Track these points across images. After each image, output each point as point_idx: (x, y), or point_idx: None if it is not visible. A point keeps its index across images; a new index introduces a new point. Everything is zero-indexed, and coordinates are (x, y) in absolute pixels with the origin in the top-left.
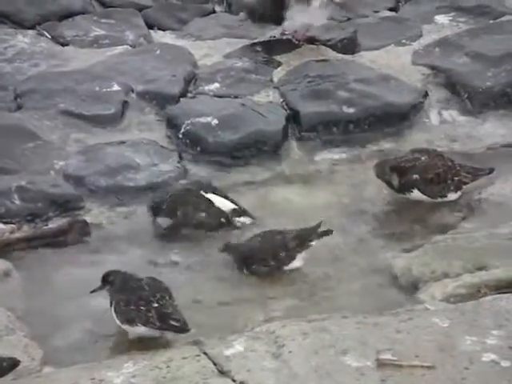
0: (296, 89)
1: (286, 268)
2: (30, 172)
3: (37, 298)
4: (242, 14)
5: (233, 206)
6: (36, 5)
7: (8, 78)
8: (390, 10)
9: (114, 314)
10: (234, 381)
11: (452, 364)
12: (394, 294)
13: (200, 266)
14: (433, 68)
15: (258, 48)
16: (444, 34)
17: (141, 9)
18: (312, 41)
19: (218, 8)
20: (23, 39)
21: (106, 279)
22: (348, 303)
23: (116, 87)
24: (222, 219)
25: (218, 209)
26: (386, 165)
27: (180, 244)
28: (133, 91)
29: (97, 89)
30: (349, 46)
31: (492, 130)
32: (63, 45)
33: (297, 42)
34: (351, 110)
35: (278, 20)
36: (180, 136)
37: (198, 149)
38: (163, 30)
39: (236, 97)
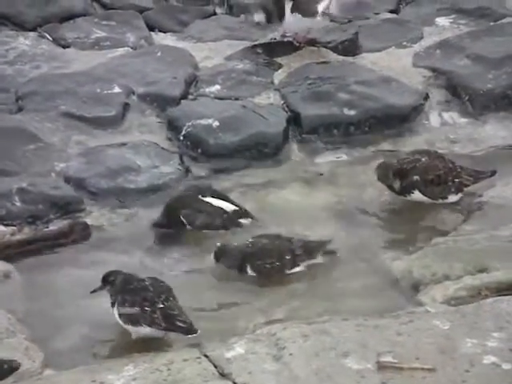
0: (297, 91)
1: (288, 272)
2: (30, 174)
3: (37, 300)
4: (242, 16)
5: (233, 208)
6: (37, 7)
7: (9, 80)
8: (391, 12)
9: (116, 315)
10: (234, 383)
11: (453, 366)
12: (395, 296)
13: (201, 268)
14: (434, 70)
15: (259, 50)
16: (445, 36)
17: (142, 11)
18: (313, 43)
19: (218, 10)
20: (24, 41)
21: (107, 279)
22: (348, 305)
23: (117, 89)
24: (223, 220)
25: (218, 210)
26: (388, 168)
27: (181, 246)
28: (134, 93)
29: (98, 91)
30: (350, 48)
31: (493, 132)
32: (64, 47)
33: (298, 44)
34: (352, 112)
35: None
36: (181, 138)
37: (199, 151)
38: (164, 32)
39: (237, 99)
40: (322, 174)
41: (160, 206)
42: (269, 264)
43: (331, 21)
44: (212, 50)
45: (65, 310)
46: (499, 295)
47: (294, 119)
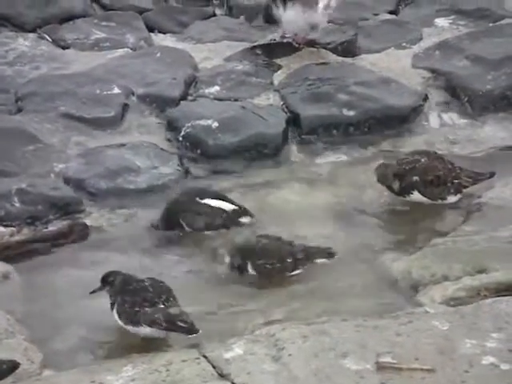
0: (296, 92)
1: (287, 275)
2: (30, 175)
3: (36, 300)
4: (242, 18)
5: (232, 207)
6: (37, 8)
7: (9, 81)
8: (390, 13)
9: (116, 316)
10: None
11: (452, 367)
12: (394, 296)
13: (200, 269)
14: (433, 71)
15: (259, 51)
16: (444, 37)
17: (141, 12)
18: (312, 44)
19: (218, 11)
20: (24, 42)
21: (106, 280)
22: (348, 306)
23: (116, 90)
24: (223, 220)
25: (217, 210)
26: (387, 169)
27: (180, 247)
28: (133, 94)
29: (97, 92)
30: (349, 49)
31: (492, 133)
32: (64, 48)
33: (297, 45)
34: (351, 113)
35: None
36: (180, 139)
37: (198, 151)
38: (164, 33)
39: (236, 100)
40: (321, 175)
41: (159, 206)
42: (270, 264)
43: (329, 22)
44: (211, 50)
45: (64, 310)
46: (498, 296)
47: (294, 120)
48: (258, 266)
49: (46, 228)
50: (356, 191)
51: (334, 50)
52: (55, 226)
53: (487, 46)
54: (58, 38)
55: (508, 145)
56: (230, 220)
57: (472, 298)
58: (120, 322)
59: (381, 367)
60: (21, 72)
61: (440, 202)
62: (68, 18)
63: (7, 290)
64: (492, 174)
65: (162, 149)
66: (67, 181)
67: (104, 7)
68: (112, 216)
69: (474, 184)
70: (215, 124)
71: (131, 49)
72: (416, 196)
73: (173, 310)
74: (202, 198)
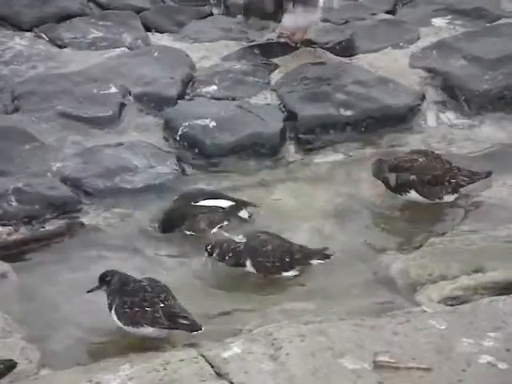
0: (294, 91)
1: (284, 274)
2: (27, 174)
3: (34, 299)
4: (239, 17)
5: (230, 203)
6: (34, 7)
7: (5, 80)
8: (388, 12)
9: (115, 317)
10: (231, 383)
11: (449, 366)
12: (392, 296)
13: (198, 268)
14: (430, 71)
15: (256, 50)
16: (441, 37)
17: (138, 11)
18: (309, 43)
19: (215, 10)
20: (21, 41)
21: (103, 279)
22: (345, 305)
23: (114, 89)
24: (223, 217)
25: (215, 209)
26: (384, 164)
27: (178, 246)
28: (130, 93)
29: (94, 91)
30: (346, 49)
31: (489, 132)
32: (61, 47)
33: (294, 45)
34: (349, 113)
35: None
36: (177, 138)
37: (196, 151)
38: (161, 33)
39: (234, 99)
40: (318, 174)
41: (157, 206)
42: (269, 262)
43: (325, 21)
44: (209, 50)
45: (61, 309)
46: (495, 295)
47: (291, 119)
48: (256, 263)
49: (43, 227)
50: (353, 191)
51: (332, 50)
52: (52, 225)
53: (484, 45)
54: (55, 37)
55: (505, 144)
56: (229, 215)
57: (469, 298)
58: (120, 324)
59: (378, 366)
60: (17, 71)
61: (437, 201)
62: (65, 17)
63: (4, 289)
64: (489, 174)
65: (159, 148)
66: (64, 180)
67: (101, 6)
68: (109, 215)
69: (471, 183)
70: (212, 123)
71: (128, 48)
72: (413, 195)
73: (173, 308)
74: (198, 201)
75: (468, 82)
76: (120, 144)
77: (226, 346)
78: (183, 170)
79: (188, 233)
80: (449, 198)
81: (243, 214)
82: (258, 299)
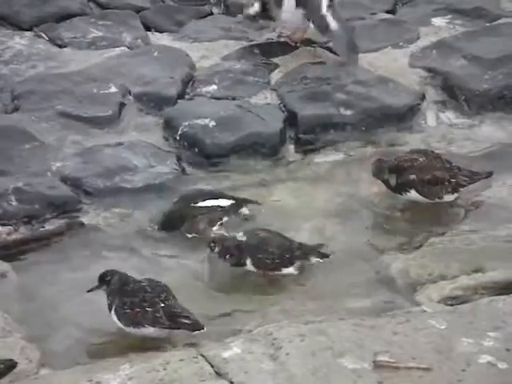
0: (293, 91)
1: (284, 271)
2: (27, 174)
3: (33, 299)
4: (239, 16)
5: (230, 202)
6: (33, 6)
7: (5, 79)
8: (388, 12)
9: (115, 318)
10: (231, 383)
11: (449, 366)
12: (392, 295)
13: (198, 268)
14: (430, 70)
15: (256, 50)
16: (441, 37)
17: (138, 11)
18: (309, 43)
19: (215, 10)
20: (20, 41)
21: (103, 278)
22: (345, 305)
23: (113, 89)
24: (224, 215)
25: (215, 209)
26: (384, 164)
27: (178, 245)
28: (130, 93)
29: (94, 90)
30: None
31: (489, 132)
32: (61, 46)
33: (294, 44)
34: (349, 112)
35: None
36: (177, 138)
37: (196, 150)
38: (161, 32)
39: (233, 99)
40: (318, 174)
41: (156, 206)
42: (269, 259)
43: None
44: (209, 49)
45: (61, 309)
46: (495, 295)
47: (291, 119)
48: (256, 260)
49: (43, 227)
50: (353, 190)
51: (332, 49)
52: (52, 225)
53: (484, 45)
54: (55, 36)
55: (505, 144)
56: (230, 214)
57: (469, 297)
58: (120, 325)
59: (378, 366)
60: (17, 71)
61: (437, 200)
62: (65, 16)
63: (4, 289)
64: (490, 174)
65: (159, 148)
66: (64, 180)
67: (101, 6)
68: (109, 215)
69: (472, 183)
70: (212, 123)
71: (128, 48)
72: (413, 195)
73: (174, 308)
74: (197, 202)
75: (468, 81)
76: (120, 144)
77: (225, 346)
78: (183, 170)
79: (189, 235)
80: (449, 198)
81: (244, 211)
82: (257, 299)
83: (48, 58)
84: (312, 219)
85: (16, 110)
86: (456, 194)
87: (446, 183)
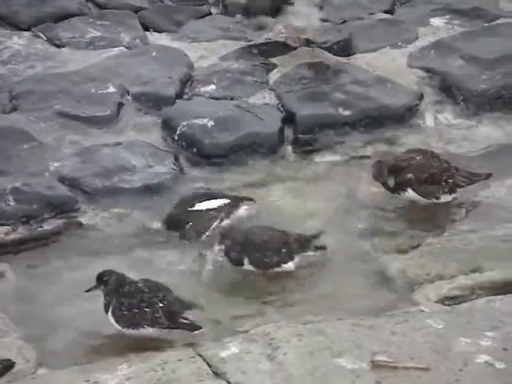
0: (292, 91)
1: (283, 266)
2: (25, 174)
3: (31, 299)
4: (238, 16)
5: (227, 201)
6: (32, 6)
7: (3, 79)
8: (386, 12)
9: (112, 320)
10: (229, 383)
11: (447, 365)
12: (389, 295)
13: (196, 268)
14: (428, 70)
15: (254, 50)
16: (439, 37)
17: (137, 11)
18: (308, 43)
19: (213, 10)
20: (19, 41)
21: (101, 279)
22: (343, 305)
23: (112, 89)
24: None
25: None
26: (383, 165)
27: (176, 245)
28: (128, 93)
29: (92, 90)
30: (344, 49)
31: (487, 132)
32: (59, 46)
33: (292, 45)
34: (347, 112)
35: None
36: (176, 138)
37: (194, 150)
38: (159, 32)
39: (232, 99)
40: (317, 174)
41: (155, 205)
42: (267, 257)
43: (324, 20)
44: (207, 49)
45: (59, 309)
46: (493, 295)
47: (289, 119)
48: (255, 259)
49: (41, 227)
50: (351, 190)
51: (330, 49)
52: (50, 224)
53: (482, 45)
54: (53, 36)
55: (503, 144)
56: (228, 213)
57: (467, 297)
58: (118, 326)
59: (376, 366)
60: (15, 70)
61: (434, 200)
62: (63, 16)
63: (2, 289)
64: (488, 176)
65: (157, 148)
66: (62, 180)
67: (99, 6)
68: (107, 215)
69: (470, 184)
70: (211, 123)
71: (126, 48)
72: (410, 194)
73: (173, 308)
74: (192, 206)
75: (466, 81)
76: (118, 143)
77: (223, 346)
78: (181, 170)
79: (189, 236)
80: (446, 199)
81: (241, 210)
82: (256, 298)
83: (46, 57)
84: (310, 219)
85: (14, 109)
86: (453, 195)
87: (444, 183)
